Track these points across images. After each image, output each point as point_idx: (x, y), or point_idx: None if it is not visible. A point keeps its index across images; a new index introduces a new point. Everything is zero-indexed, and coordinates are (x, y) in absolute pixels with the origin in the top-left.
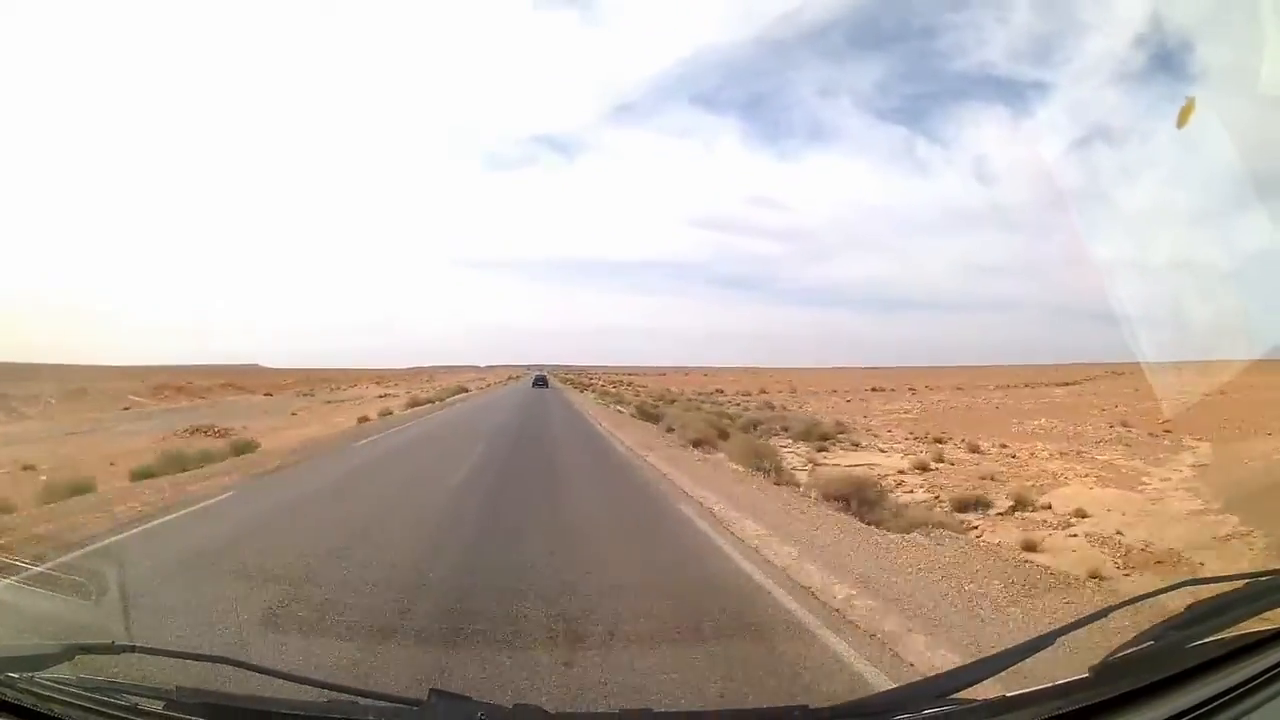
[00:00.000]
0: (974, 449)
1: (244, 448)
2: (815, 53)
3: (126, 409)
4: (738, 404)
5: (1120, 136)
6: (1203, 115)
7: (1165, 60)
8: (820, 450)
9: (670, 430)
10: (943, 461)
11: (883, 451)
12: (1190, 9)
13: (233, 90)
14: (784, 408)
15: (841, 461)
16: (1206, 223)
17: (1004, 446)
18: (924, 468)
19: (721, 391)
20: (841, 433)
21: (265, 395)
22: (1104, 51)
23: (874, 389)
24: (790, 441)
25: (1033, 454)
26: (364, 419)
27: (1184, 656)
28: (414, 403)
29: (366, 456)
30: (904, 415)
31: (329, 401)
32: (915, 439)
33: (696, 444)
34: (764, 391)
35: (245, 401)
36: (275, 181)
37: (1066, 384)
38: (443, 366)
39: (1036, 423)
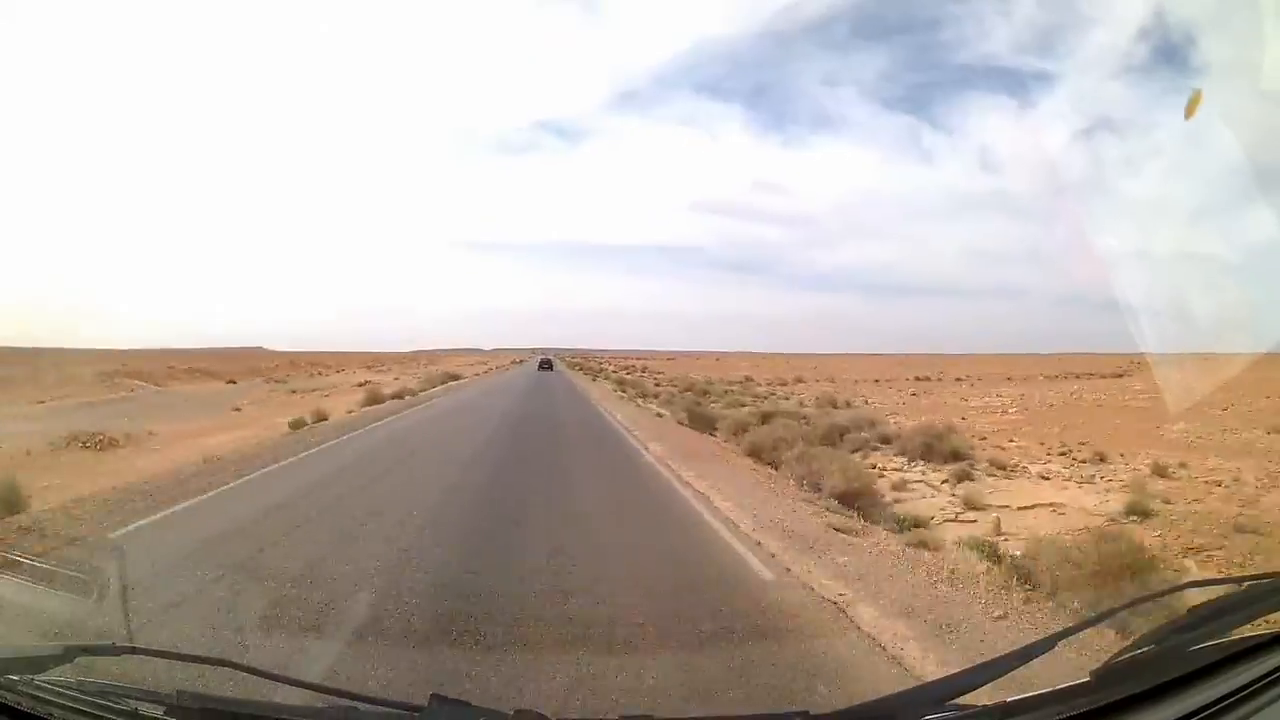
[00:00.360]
0: (1160, 471)
1: None
2: (819, 43)
3: (42, 403)
4: (784, 396)
5: (1124, 127)
6: (1207, 107)
7: (1168, 52)
8: (962, 478)
9: (758, 457)
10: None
11: (1045, 479)
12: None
13: (240, 79)
14: (847, 403)
15: (995, 499)
16: (1209, 215)
17: (1183, 465)
18: (1144, 512)
19: (751, 379)
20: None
21: (229, 383)
22: (1107, 43)
23: (918, 378)
24: (904, 462)
25: (1235, 478)
26: (299, 423)
27: (1186, 660)
28: (373, 399)
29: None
30: (1006, 416)
31: (295, 391)
32: (1063, 455)
33: (849, 501)
34: (800, 380)
35: (200, 390)
36: (282, 166)
37: (1119, 375)
38: (447, 350)
39: (1177, 428)
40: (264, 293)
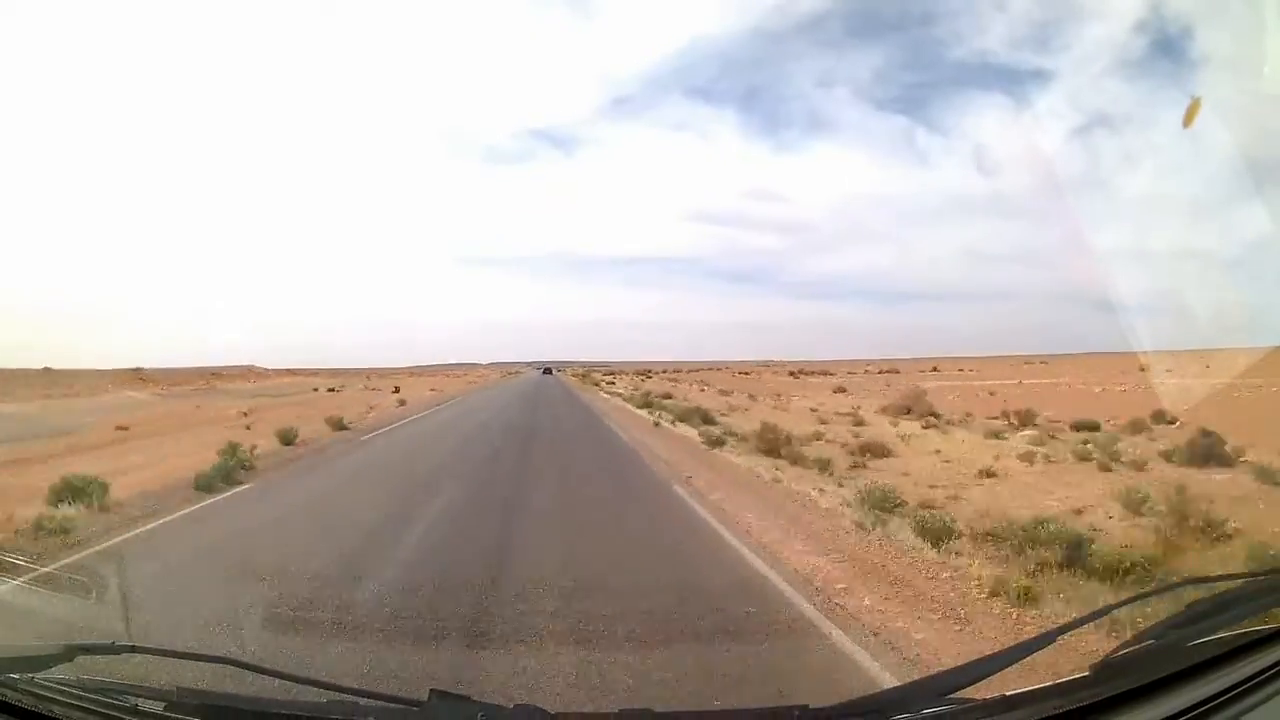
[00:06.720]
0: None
1: None
2: (812, 42)
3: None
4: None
5: (1122, 124)
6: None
7: (1166, 48)
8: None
9: None
10: None
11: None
12: None
13: (230, 88)
14: None
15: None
16: (1206, 211)
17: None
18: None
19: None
20: None
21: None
22: (1104, 39)
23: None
24: None
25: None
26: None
27: (1184, 655)
28: None
29: None
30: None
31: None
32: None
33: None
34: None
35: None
36: (272, 181)
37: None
38: (444, 364)
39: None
40: (256, 311)
